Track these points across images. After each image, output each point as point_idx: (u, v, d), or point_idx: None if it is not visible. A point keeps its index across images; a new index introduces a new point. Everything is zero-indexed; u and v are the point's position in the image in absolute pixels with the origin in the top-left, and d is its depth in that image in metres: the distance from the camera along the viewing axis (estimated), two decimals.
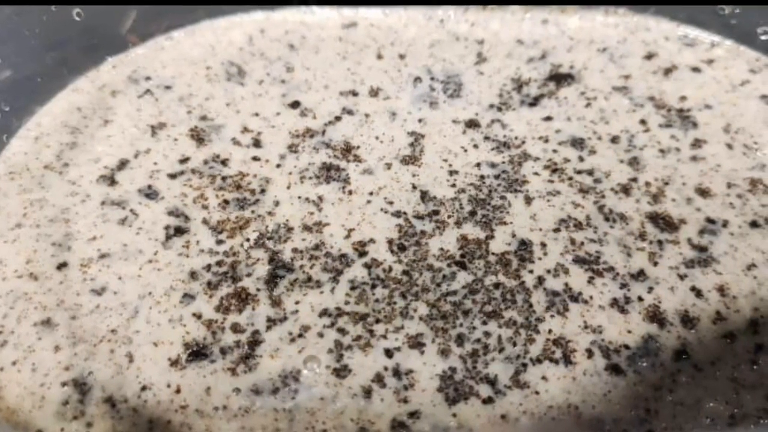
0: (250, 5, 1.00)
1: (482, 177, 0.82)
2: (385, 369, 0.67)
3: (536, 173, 0.82)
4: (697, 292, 0.72)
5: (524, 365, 0.67)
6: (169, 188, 0.81)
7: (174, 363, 0.68)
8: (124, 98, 0.91)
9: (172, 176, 0.82)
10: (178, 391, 0.66)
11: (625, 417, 0.64)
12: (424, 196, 0.80)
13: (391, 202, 0.79)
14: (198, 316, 0.71)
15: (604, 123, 0.87)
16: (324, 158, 0.84)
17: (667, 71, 0.94)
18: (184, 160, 0.84)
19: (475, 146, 0.85)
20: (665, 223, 0.77)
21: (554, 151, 0.85)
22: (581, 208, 0.79)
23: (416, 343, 0.69)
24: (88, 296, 0.72)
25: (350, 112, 0.89)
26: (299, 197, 0.80)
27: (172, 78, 0.94)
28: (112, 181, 0.82)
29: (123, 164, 0.83)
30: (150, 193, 0.81)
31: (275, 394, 0.66)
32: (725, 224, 0.77)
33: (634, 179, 0.81)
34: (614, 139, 0.86)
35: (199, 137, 0.86)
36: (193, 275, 0.74)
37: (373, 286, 0.73)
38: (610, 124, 0.87)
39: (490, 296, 0.72)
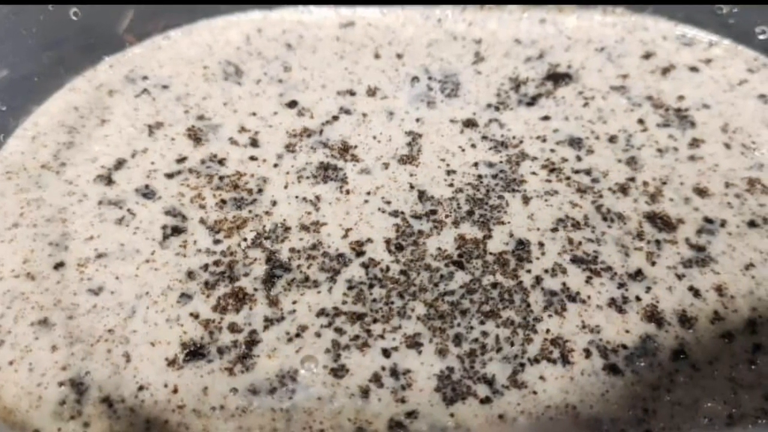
0: (247, 5, 1.00)
1: (480, 177, 0.82)
2: (383, 369, 0.67)
3: (534, 173, 0.82)
4: (695, 292, 0.72)
5: (522, 365, 0.67)
6: (167, 188, 0.81)
7: (171, 363, 0.68)
8: (121, 98, 0.91)
9: (170, 176, 0.82)
10: (175, 391, 0.66)
11: (622, 417, 0.64)
12: (422, 195, 0.80)
13: (388, 202, 0.79)
14: (195, 316, 0.71)
15: (602, 122, 0.87)
16: (321, 158, 0.84)
17: (665, 71, 0.94)
18: (182, 160, 0.84)
19: (473, 146, 0.85)
20: (663, 223, 0.77)
21: (552, 150, 0.84)
22: (579, 207, 0.79)
23: (414, 343, 0.69)
24: (85, 296, 0.72)
25: (348, 112, 0.89)
26: (296, 197, 0.80)
27: (169, 77, 0.94)
28: (109, 181, 0.81)
29: (120, 164, 0.83)
30: (147, 193, 0.81)
31: (272, 394, 0.66)
32: (723, 224, 0.77)
33: (632, 179, 0.81)
34: (612, 139, 0.86)
35: (196, 137, 0.86)
36: (191, 275, 0.74)
37: (371, 286, 0.72)
38: (608, 124, 0.87)
39: (488, 296, 0.71)
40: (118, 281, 0.73)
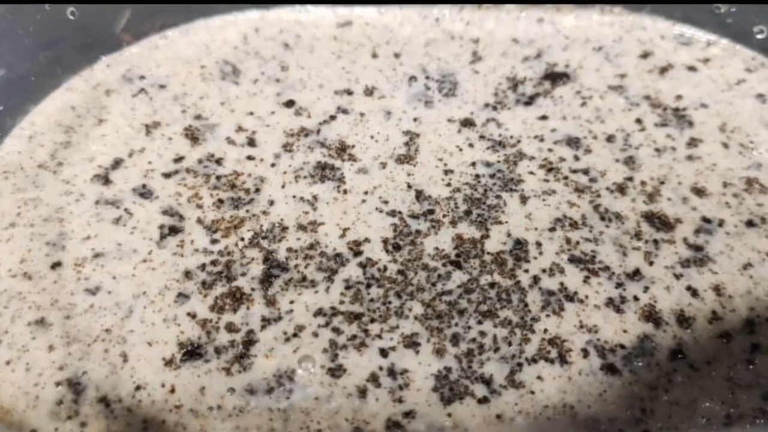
0: (244, 4, 0.99)
1: (477, 176, 0.82)
2: (380, 369, 0.67)
3: (531, 172, 0.82)
4: (693, 292, 0.72)
5: (519, 365, 0.67)
6: (164, 187, 0.81)
7: (168, 363, 0.68)
8: (118, 97, 0.91)
9: (167, 175, 0.82)
10: (172, 390, 0.66)
11: (620, 417, 0.64)
12: (419, 195, 0.80)
13: (386, 202, 0.79)
14: (192, 316, 0.71)
15: (600, 122, 0.87)
16: (319, 157, 0.84)
17: (663, 70, 0.94)
18: (179, 160, 0.84)
19: (471, 145, 0.85)
20: (661, 223, 0.77)
21: (550, 150, 0.84)
22: (577, 207, 0.79)
23: (411, 343, 0.68)
24: (82, 296, 0.72)
25: (345, 111, 0.89)
26: (294, 196, 0.80)
27: (166, 77, 0.93)
28: (106, 180, 0.81)
29: (117, 163, 0.83)
30: (144, 193, 0.80)
31: (270, 393, 0.66)
32: (721, 223, 0.77)
33: (630, 178, 0.81)
34: (610, 138, 0.85)
35: (193, 136, 0.86)
36: (188, 275, 0.73)
37: (368, 286, 0.72)
38: (606, 123, 0.87)
39: (486, 296, 0.71)
40: (115, 281, 0.73)
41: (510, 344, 0.68)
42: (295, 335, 0.69)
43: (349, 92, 0.92)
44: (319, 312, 0.71)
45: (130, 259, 0.75)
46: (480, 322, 0.70)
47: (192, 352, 0.68)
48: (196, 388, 0.66)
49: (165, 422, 0.65)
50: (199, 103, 0.90)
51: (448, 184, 0.81)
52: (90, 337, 0.69)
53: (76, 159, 0.84)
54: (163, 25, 0.98)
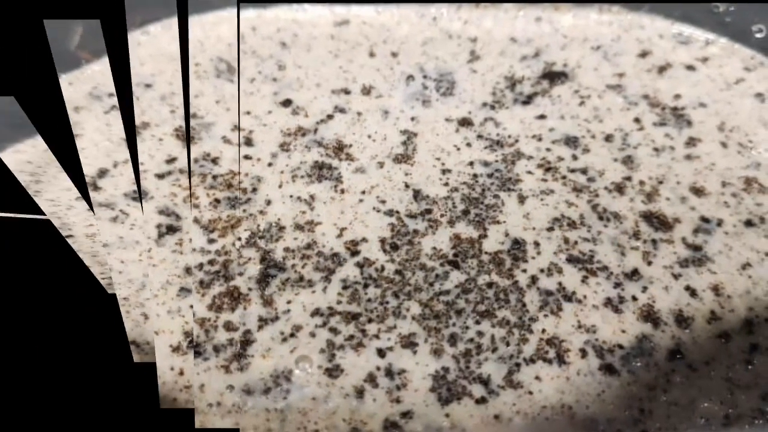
0: (241, 2, 0.99)
1: (475, 176, 0.81)
2: (378, 369, 0.67)
3: (529, 172, 0.82)
4: (692, 292, 0.72)
5: (517, 365, 0.67)
6: (158, 188, 0.80)
7: (176, 349, 0.69)
8: (89, 114, 0.87)
9: (160, 176, 0.81)
10: (181, 373, 0.68)
11: (619, 417, 0.64)
12: (417, 195, 0.80)
13: (383, 201, 0.79)
14: (193, 313, 0.71)
15: (598, 121, 0.87)
16: (316, 157, 0.84)
17: (662, 69, 0.93)
18: (172, 160, 0.83)
19: (468, 145, 0.85)
20: (659, 222, 0.77)
21: (548, 149, 0.84)
22: (575, 207, 0.78)
23: (409, 343, 0.68)
24: (98, 267, 0.74)
25: (342, 111, 0.89)
26: (291, 196, 0.80)
27: (151, 75, 0.91)
28: (95, 187, 0.80)
29: (103, 173, 0.81)
30: (137, 196, 0.80)
31: (267, 394, 0.66)
32: (720, 223, 0.77)
33: (628, 178, 0.81)
34: (608, 138, 0.85)
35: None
36: (188, 271, 0.73)
37: (366, 286, 0.72)
38: (604, 123, 0.87)
39: (483, 296, 0.71)
40: (124, 264, 0.75)
41: (508, 344, 0.68)
42: (292, 335, 0.69)
43: (347, 91, 0.91)
44: (316, 312, 0.71)
45: (134, 248, 0.75)
46: (478, 322, 0.70)
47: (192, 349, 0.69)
48: (196, 384, 0.67)
49: (176, 400, 0.66)
50: (193, 101, 0.90)
51: (446, 184, 0.81)
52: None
53: (52, 188, 0.81)
54: (143, 21, 0.96)
